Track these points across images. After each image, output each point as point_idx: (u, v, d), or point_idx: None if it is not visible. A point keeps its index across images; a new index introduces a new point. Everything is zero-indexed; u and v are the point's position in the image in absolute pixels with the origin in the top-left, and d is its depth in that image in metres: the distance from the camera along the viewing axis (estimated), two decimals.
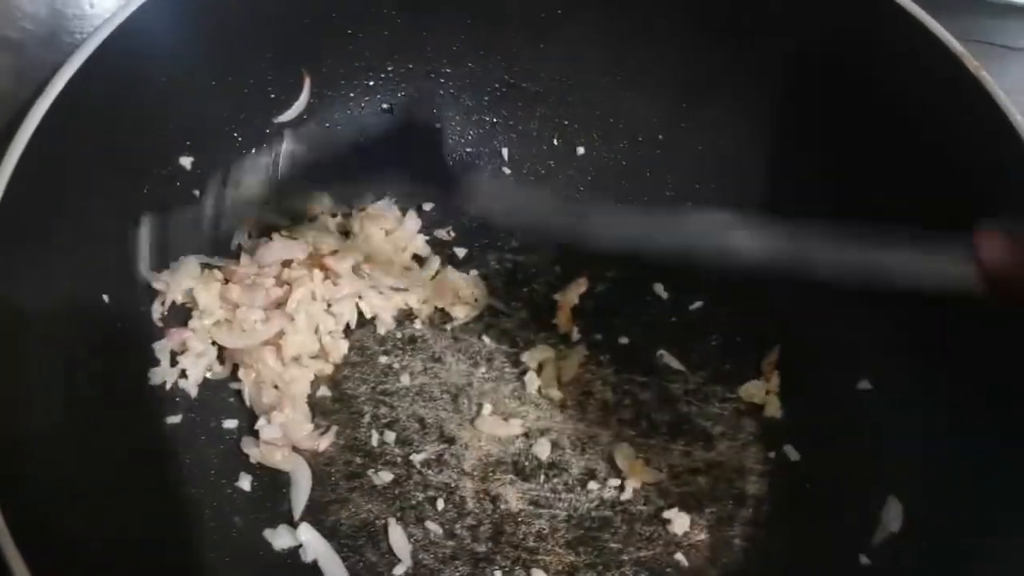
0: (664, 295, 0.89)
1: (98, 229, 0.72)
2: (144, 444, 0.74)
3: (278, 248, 0.83)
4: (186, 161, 0.80)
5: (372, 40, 0.88)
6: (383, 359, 0.85)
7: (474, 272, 0.89)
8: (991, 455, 0.68)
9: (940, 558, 0.68)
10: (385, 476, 0.78)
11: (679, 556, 0.75)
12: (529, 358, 0.84)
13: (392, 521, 0.75)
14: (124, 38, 0.70)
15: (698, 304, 0.88)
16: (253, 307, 0.80)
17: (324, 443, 0.78)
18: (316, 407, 0.82)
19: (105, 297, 0.73)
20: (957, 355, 0.72)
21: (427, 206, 0.93)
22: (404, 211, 0.92)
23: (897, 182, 0.76)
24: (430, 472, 0.79)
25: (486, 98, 0.93)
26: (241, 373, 0.80)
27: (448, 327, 0.87)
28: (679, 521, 0.76)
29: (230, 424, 0.79)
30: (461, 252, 0.91)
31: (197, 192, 0.82)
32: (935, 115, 0.74)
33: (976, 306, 0.67)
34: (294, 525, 0.74)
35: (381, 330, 0.85)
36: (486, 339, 0.86)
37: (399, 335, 0.86)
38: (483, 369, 0.85)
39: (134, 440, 0.72)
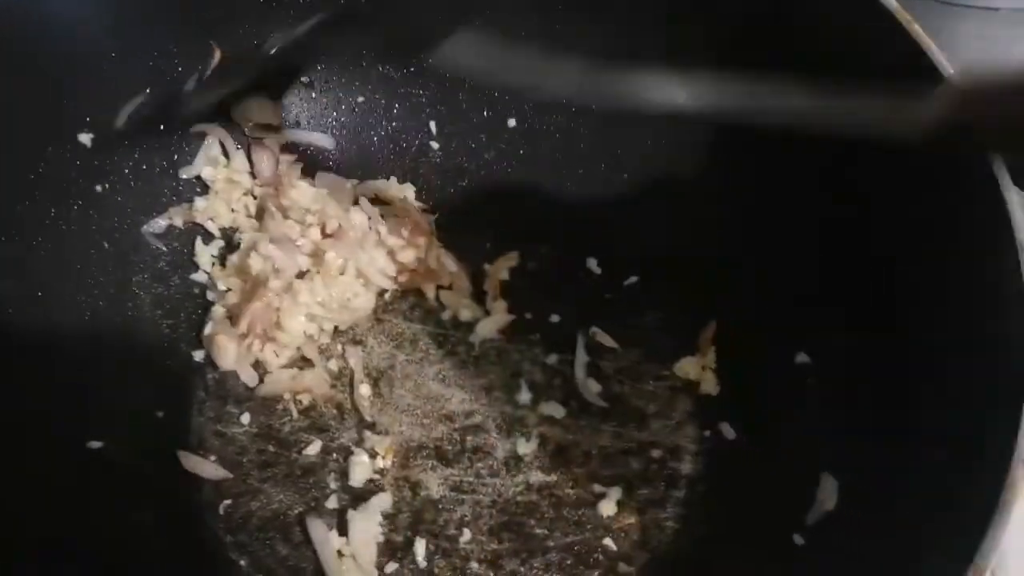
0: (597, 271, 0.86)
1: None
2: None
3: None
4: (86, 138, 0.76)
5: (287, 7, 0.84)
6: None
7: None
8: (930, 430, 0.64)
9: (875, 537, 0.65)
10: (299, 464, 0.74)
11: (607, 541, 0.72)
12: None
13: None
14: None
15: (632, 279, 0.85)
16: None
17: None
18: (230, 394, 0.78)
19: None
20: (894, 328, 0.69)
21: None
22: None
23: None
24: (347, 460, 0.75)
25: (411, 69, 0.89)
26: None
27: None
28: (607, 504, 0.73)
29: None
30: None
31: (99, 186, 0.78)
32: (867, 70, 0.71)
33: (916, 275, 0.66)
34: None
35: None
36: (410, 320, 0.83)
37: None
38: (406, 351, 0.81)
39: None
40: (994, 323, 0.59)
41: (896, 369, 0.68)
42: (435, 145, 0.91)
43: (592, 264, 0.86)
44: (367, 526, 0.70)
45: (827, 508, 0.69)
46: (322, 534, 0.69)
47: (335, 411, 0.77)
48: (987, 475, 0.56)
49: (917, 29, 0.68)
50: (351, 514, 0.71)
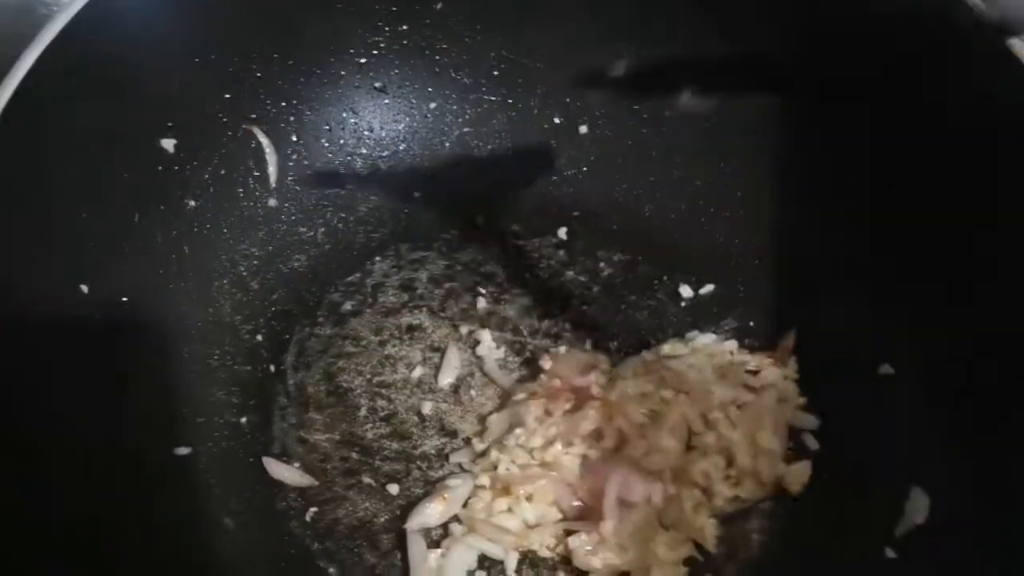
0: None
1: (71, 218, 0.67)
2: None
3: None
4: (168, 144, 0.76)
5: (362, 13, 0.84)
6: (380, 349, 0.81)
7: None
8: (1020, 441, 0.64)
9: (968, 550, 0.64)
10: (383, 472, 0.74)
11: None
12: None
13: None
14: (100, 9, 0.66)
15: (709, 288, 0.84)
16: None
17: None
18: (311, 400, 0.78)
19: (84, 288, 0.69)
20: (981, 336, 0.68)
21: None
22: None
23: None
24: (431, 468, 0.75)
25: (483, 76, 0.89)
26: None
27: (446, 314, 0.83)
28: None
29: None
30: None
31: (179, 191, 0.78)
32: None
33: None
34: None
35: None
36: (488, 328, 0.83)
37: (397, 323, 0.82)
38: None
39: None
40: None
41: (989, 378, 0.67)
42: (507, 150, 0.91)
43: None
44: (465, 558, 0.70)
45: (917, 522, 0.68)
46: (420, 552, 0.69)
47: (416, 419, 0.77)
48: None
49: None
50: (454, 540, 0.71)
